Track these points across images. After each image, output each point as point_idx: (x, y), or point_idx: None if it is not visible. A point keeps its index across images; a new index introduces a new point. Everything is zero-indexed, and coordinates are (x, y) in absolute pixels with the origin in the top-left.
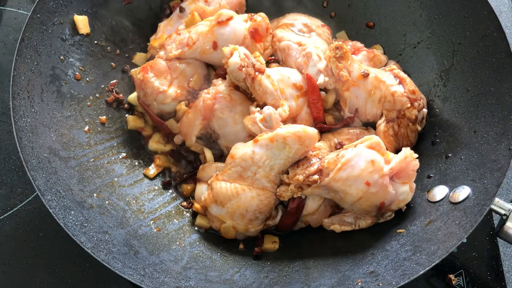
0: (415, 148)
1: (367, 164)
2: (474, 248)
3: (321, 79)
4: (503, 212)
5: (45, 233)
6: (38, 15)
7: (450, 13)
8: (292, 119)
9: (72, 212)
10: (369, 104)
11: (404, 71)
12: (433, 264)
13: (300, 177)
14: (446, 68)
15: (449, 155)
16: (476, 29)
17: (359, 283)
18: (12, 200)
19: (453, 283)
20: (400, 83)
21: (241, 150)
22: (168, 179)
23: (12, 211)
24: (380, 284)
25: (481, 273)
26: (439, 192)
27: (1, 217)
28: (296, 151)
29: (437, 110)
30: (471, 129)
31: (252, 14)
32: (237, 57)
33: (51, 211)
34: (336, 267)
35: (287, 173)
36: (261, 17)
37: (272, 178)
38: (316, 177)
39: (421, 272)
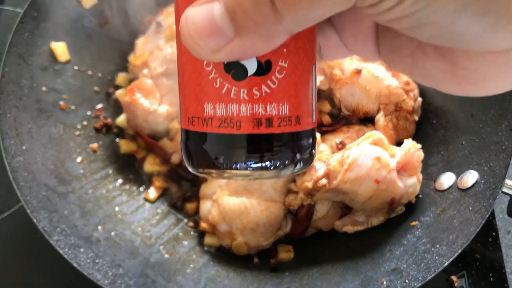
0: (413, 139)
1: (374, 161)
2: (477, 250)
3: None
4: None
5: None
6: (15, 48)
7: None
8: None
9: (82, 250)
10: (365, 100)
11: None
12: (456, 254)
13: (309, 184)
14: None
15: (450, 141)
16: None
17: (384, 283)
18: (9, 201)
19: (456, 284)
20: (392, 75)
21: None
22: (174, 200)
23: (11, 211)
24: (407, 281)
25: (484, 275)
26: (446, 179)
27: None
28: None
29: (431, 98)
30: (467, 113)
31: None
32: None
33: (61, 252)
34: (356, 269)
35: (294, 181)
36: None
37: (279, 188)
38: (324, 181)
39: (446, 264)
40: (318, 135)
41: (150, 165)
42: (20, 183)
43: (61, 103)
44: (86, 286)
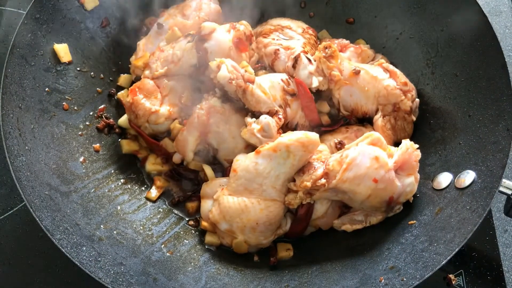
0: (411, 139)
1: (372, 161)
2: (474, 248)
3: (315, 82)
4: (509, 192)
5: (45, 233)
6: (18, 49)
7: (429, 1)
8: (288, 123)
9: (84, 248)
10: (364, 101)
11: (390, 63)
12: (453, 253)
13: (308, 183)
14: (432, 56)
15: (447, 141)
16: (457, 14)
17: (382, 281)
18: (12, 200)
19: (453, 283)
20: (390, 76)
21: (243, 162)
22: (175, 199)
23: (12, 211)
24: (404, 279)
25: (481, 273)
26: (444, 179)
27: (1, 217)
28: (300, 158)
29: (428, 98)
30: (465, 114)
31: (234, 23)
32: (225, 70)
33: (63, 250)
34: (354, 267)
35: (293, 180)
36: (243, 26)
37: (279, 187)
38: (323, 180)
39: (443, 262)
40: (317, 135)
41: (152, 164)
42: (23, 182)
43: (64, 103)
44: (88, 284)
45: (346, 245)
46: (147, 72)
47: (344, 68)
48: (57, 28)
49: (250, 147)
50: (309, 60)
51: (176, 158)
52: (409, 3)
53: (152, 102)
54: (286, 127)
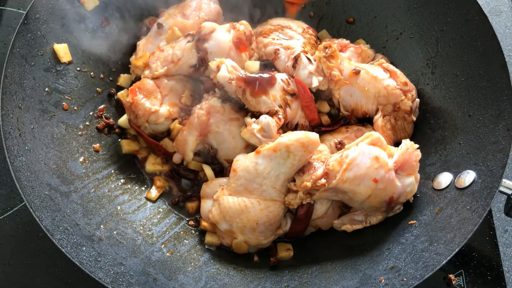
0: (411, 139)
1: (372, 161)
2: (474, 248)
3: (315, 82)
4: (510, 192)
5: (45, 233)
6: (18, 49)
7: (429, 1)
8: (289, 123)
9: (84, 248)
10: (364, 101)
11: (390, 63)
12: (454, 253)
13: (308, 184)
14: (432, 56)
15: (447, 141)
16: (457, 14)
17: (382, 281)
18: (12, 200)
19: (453, 283)
20: (390, 76)
21: (243, 162)
22: (175, 199)
23: (12, 211)
24: (405, 279)
25: (481, 273)
26: (444, 179)
27: (1, 217)
28: (300, 158)
29: (428, 98)
30: (465, 113)
31: (234, 23)
32: (225, 70)
33: (63, 250)
34: (354, 267)
35: (293, 180)
36: (243, 25)
37: (279, 187)
38: (323, 181)
39: (443, 262)
40: (317, 135)
41: (152, 164)
42: (23, 182)
43: (64, 103)
44: (88, 284)
45: (346, 245)
46: (147, 72)
47: (344, 68)
48: (57, 28)
49: (250, 147)
50: (309, 60)
51: (176, 158)
52: (409, 3)
53: (152, 102)
54: (286, 127)
